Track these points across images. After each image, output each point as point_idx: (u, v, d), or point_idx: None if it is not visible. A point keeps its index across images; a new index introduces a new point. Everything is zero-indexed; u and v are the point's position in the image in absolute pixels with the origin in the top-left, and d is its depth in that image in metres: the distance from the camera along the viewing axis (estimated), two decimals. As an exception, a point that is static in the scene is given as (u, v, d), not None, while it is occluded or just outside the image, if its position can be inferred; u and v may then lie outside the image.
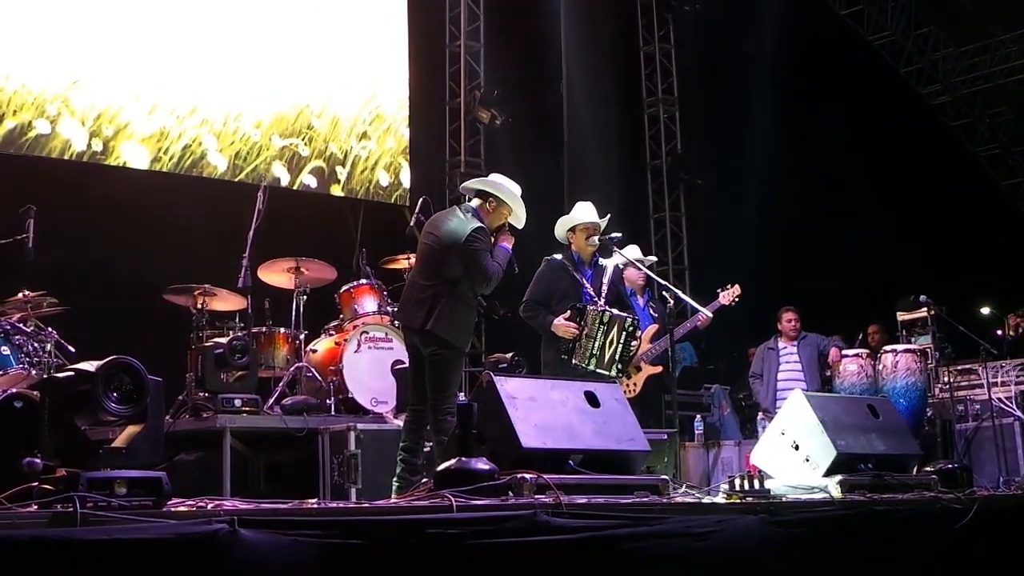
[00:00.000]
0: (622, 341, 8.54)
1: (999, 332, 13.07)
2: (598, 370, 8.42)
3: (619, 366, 8.58)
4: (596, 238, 8.93)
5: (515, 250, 7.80)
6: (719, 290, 10.49)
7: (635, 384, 9.99)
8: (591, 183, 16.01)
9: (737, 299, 10.41)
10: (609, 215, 9.01)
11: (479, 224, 7.61)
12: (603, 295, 8.76)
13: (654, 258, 10.79)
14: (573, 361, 8.45)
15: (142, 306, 10.73)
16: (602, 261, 8.99)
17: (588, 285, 8.77)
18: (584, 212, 8.94)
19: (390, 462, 7.73)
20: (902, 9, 19.50)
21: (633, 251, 10.12)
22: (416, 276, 7.92)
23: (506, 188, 7.84)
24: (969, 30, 19.22)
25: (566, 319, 8.53)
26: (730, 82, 17.16)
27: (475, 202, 7.83)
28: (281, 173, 13.51)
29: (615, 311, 8.60)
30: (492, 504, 5.27)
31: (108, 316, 10.83)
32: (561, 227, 9.01)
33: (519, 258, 7.95)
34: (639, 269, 9.94)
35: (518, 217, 7.88)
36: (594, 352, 8.48)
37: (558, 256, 8.94)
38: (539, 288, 8.86)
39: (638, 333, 8.85)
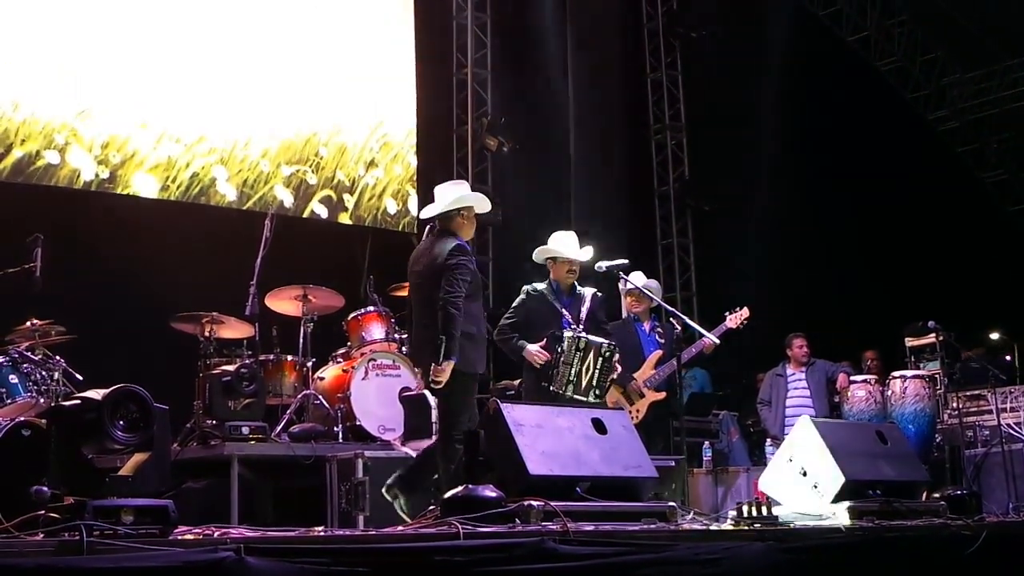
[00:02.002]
0: (599, 367, 8.54)
1: (1007, 357, 13.05)
2: (575, 396, 8.41)
3: (596, 392, 8.59)
4: (603, 264, 9.04)
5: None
6: (727, 313, 10.47)
7: (638, 410, 9.97)
8: (599, 209, 16.04)
9: (745, 322, 10.37)
10: (591, 248, 9.00)
11: (457, 242, 7.61)
12: (582, 322, 8.76)
13: (655, 282, 10.76)
14: (551, 388, 8.44)
15: (150, 334, 10.75)
16: (579, 289, 8.99)
17: (567, 313, 8.76)
18: (565, 244, 8.92)
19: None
20: (908, 35, 19.55)
21: (638, 277, 10.11)
22: (416, 318, 7.91)
23: (459, 195, 7.85)
24: (976, 55, 19.26)
25: (542, 347, 8.55)
26: (737, 108, 17.17)
27: (446, 224, 7.80)
28: (288, 201, 13.53)
29: (592, 337, 8.60)
30: (499, 531, 5.27)
31: (116, 344, 10.85)
32: (540, 255, 9.02)
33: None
34: (647, 295, 9.94)
35: (483, 207, 7.96)
36: (571, 378, 8.47)
37: (539, 285, 8.94)
38: (517, 315, 8.87)
39: (615, 358, 8.81)
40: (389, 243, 14.09)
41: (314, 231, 13.66)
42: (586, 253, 8.94)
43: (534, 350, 8.57)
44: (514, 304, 9.02)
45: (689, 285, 17.82)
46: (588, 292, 8.99)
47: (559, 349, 8.50)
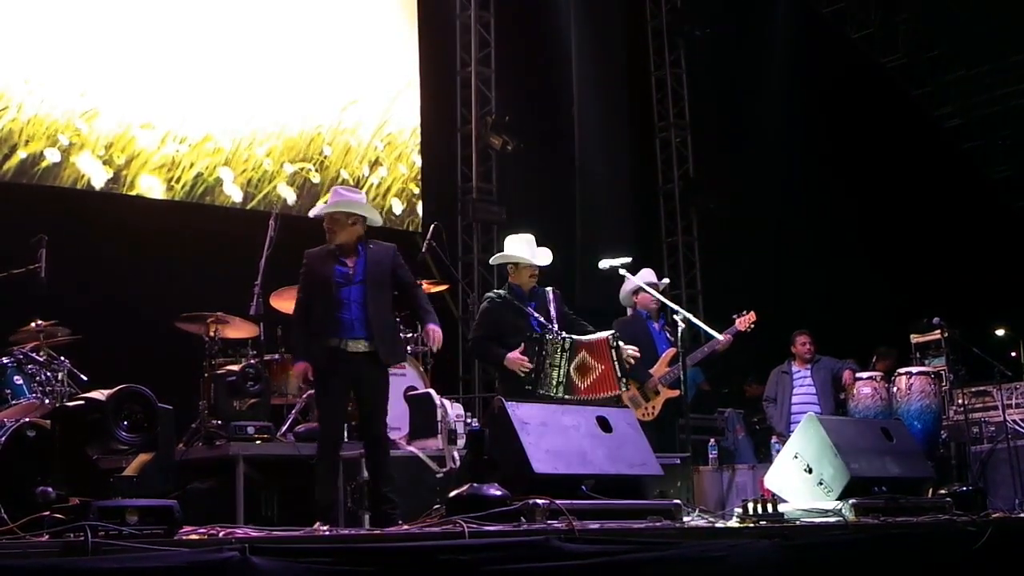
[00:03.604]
0: (615, 359, 8.52)
1: (1013, 353, 13.02)
2: (565, 396, 8.28)
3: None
4: (606, 262, 9.10)
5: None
6: (735, 316, 10.46)
7: (653, 408, 9.97)
8: (603, 208, 16.05)
9: (753, 325, 10.37)
10: (550, 252, 8.93)
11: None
12: (554, 322, 8.66)
13: (667, 280, 10.74)
14: (539, 391, 8.27)
15: (154, 334, 10.71)
16: (539, 289, 8.89)
17: (535, 314, 8.68)
18: (525, 249, 8.80)
19: (402, 488, 7.72)
20: (913, 32, 19.52)
21: (647, 274, 10.11)
22: None
23: (325, 207, 8.27)
24: (981, 52, 19.22)
25: (521, 352, 8.44)
26: (741, 106, 17.16)
27: None
28: (293, 200, 13.52)
29: (576, 336, 8.53)
30: (505, 530, 5.27)
31: (120, 345, 10.82)
32: (499, 260, 8.96)
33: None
34: (651, 294, 9.93)
35: (337, 210, 8.35)
36: (560, 379, 8.34)
37: (500, 291, 8.89)
38: (487, 325, 8.77)
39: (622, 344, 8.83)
40: (393, 242, 14.03)
41: (319, 231, 13.58)
42: (546, 257, 8.82)
43: (517, 357, 8.43)
44: (480, 314, 8.97)
45: (694, 283, 17.82)
46: (548, 291, 8.89)
47: (541, 352, 8.37)
